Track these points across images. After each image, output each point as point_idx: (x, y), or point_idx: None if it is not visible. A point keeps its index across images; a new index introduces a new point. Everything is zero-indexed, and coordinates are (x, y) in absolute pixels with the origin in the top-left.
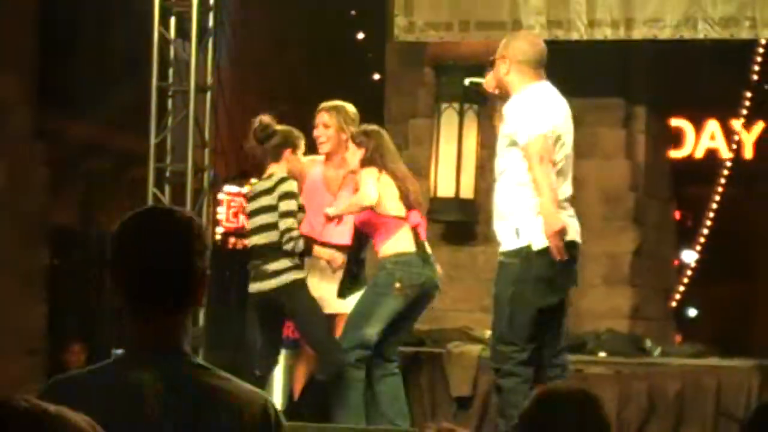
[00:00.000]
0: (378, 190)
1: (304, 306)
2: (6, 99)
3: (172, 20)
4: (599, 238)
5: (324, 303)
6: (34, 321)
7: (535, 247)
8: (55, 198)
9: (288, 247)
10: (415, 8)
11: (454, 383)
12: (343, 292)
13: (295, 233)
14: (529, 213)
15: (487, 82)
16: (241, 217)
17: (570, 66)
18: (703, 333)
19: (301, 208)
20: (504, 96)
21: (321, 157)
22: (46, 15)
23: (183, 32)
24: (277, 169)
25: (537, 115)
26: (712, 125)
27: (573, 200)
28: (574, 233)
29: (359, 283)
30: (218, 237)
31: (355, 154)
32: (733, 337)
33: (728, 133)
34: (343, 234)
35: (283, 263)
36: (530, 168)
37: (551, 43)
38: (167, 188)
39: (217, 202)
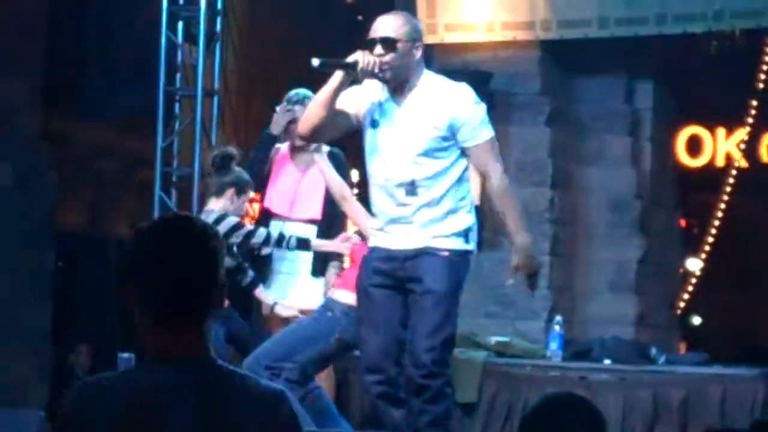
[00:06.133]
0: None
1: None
2: (14, 101)
3: (180, 24)
4: (605, 246)
5: (291, 302)
6: (40, 322)
7: None
8: (62, 200)
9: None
10: (437, 10)
11: (459, 389)
12: (315, 270)
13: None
14: None
15: (370, 63)
16: (246, 221)
17: (577, 74)
18: (708, 341)
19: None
20: (391, 80)
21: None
22: (54, 18)
23: (190, 36)
24: (215, 205)
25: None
26: (718, 134)
27: None
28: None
29: (330, 258)
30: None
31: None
32: (739, 345)
33: (734, 141)
34: (313, 208)
35: None
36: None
37: (558, 45)
38: (174, 192)
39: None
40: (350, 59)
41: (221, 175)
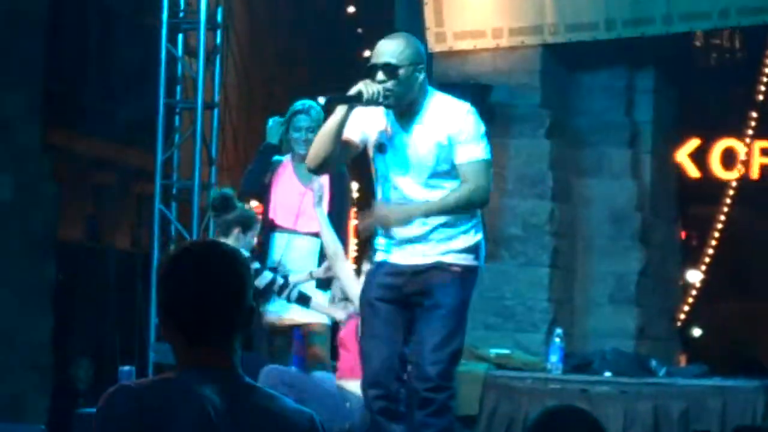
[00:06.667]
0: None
1: None
2: (14, 114)
3: (180, 37)
4: (605, 258)
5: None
6: (40, 335)
7: None
8: (62, 213)
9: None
10: (445, 18)
11: (460, 402)
12: (321, 283)
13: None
14: None
15: (374, 93)
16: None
17: (577, 86)
18: (709, 353)
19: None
20: (395, 106)
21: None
22: (54, 31)
23: (190, 49)
24: None
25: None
26: (718, 145)
27: None
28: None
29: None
30: None
31: None
32: (738, 357)
33: (734, 152)
34: (317, 222)
35: None
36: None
37: (558, 58)
38: (174, 204)
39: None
40: (353, 91)
41: (224, 215)
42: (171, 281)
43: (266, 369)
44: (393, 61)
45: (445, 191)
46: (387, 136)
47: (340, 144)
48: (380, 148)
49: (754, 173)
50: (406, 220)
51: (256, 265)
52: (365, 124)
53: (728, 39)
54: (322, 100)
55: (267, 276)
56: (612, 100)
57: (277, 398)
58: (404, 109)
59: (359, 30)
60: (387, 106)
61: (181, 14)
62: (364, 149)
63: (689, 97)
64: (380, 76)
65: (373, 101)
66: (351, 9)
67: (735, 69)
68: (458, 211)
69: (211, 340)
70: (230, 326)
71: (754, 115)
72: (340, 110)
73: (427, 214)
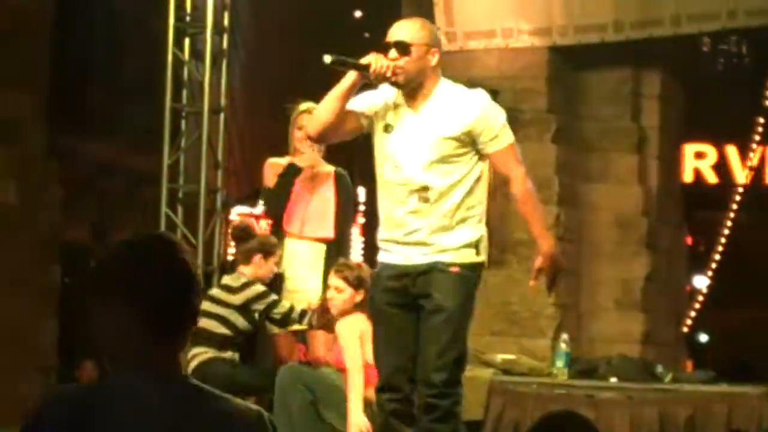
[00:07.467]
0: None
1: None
2: (20, 118)
3: (186, 41)
4: (612, 263)
5: None
6: (45, 338)
7: None
8: (67, 217)
9: (305, 321)
10: (455, 18)
11: (465, 407)
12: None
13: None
14: None
15: (383, 66)
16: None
17: (583, 91)
18: (715, 358)
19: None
20: (405, 85)
21: (285, 160)
22: (60, 34)
23: (197, 53)
24: (245, 271)
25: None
26: (725, 151)
27: None
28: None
29: None
30: (230, 258)
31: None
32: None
33: (741, 158)
34: (325, 227)
35: (209, 352)
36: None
37: (565, 63)
38: (180, 209)
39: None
40: (363, 61)
41: (245, 243)
42: (142, 268)
43: (286, 367)
44: (406, 39)
45: (445, 176)
46: (394, 116)
47: (343, 112)
48: (386, 128)
49: (762, 178)
50: (557, 259)
51: (273, 297)
52: (372, 101)
53: (735, 44)
54: (328, 58)
55: (285, 305)
56: (618, 106)
57: (225, 398)
58: (413, 90)
59: (366, 34)
60: (395, 84)
61: (188, 18)
62: (365, 131)
63: (696, 102)
64: (392, 53)
65: (381, 75)
66: (358, 13)
67: (742, 74)
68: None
69: (170, 333)
70: (189, 318)
71: (761, 120)
72: (348, 78)
73: (548, 231)
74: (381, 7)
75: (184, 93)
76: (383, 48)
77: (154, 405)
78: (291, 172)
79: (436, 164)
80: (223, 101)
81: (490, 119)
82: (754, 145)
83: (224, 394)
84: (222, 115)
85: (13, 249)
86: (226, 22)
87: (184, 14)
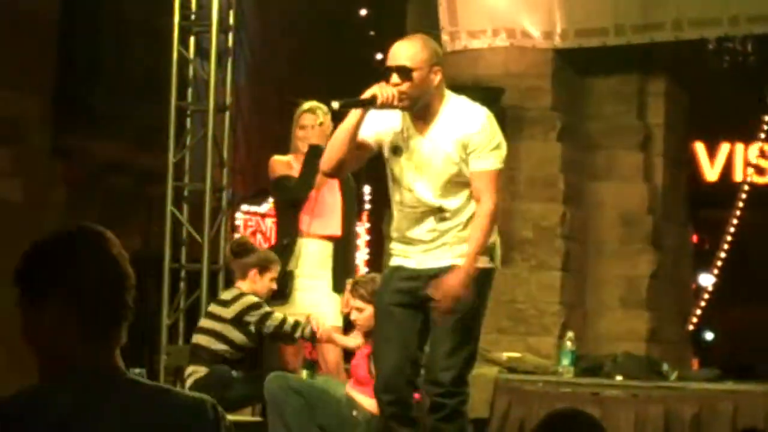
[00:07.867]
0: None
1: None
2: (25, 117)
3: (192, 40)
4: (617, 261)
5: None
6: None
7: None
8: (73, 216)
9: (297, 334)
10: (459, 18)
11: (471, 405)
12: (336, 286)
13: (293, 322)
14: None
15: (388, 97)
16: (259, 236)
17: (588, 89)
18: (720, 356)
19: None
20: (410, 108)
21: (289, 158)
22: (66, 34)
23: (202, 52)
24: (242, 286)
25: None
26: (730, 149)
27: None
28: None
29: (349, 274)
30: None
31: None
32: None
33: (746, 156)
34: (332, 225)
35: (201, 370)
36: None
37: (569, 61)
38: (185, 207)
39: (234, 221)
40: (368, 95)
41: (242, 258)
42: (69, 262)
43: (272, 375)
44: (408, 63)
45: (459, 194)
46: (402, 139)
47: (354, 147)
48: (395, 150)
49: (766, 176)
50: (466, 282)
51: (266, 309)
52: (380, 125)
53: (741, 43)
54: (336, 105)
55: (277, 317)
56: (624, 104)
57: (166, 390)
58: (420, 111)
59: (371, 32)
60: (402, 109)
61: (193, 17)
62: (380, 151)
63: (701, 100)
64: (395, 78)
65: (387, 105)
66: (363, 11)
67: (747, 72)
68: (490, 234)
69: (104, 328)
70: (122, 311)
71: (767, 118)
72: (354, 114)
73: (476, 260)
74: (386, 6)
75: (190, 91)
76: (384, 72)
77: (90, 405)
78: (317, 153)
79: (448, 186)
80: (228, 99)
81: (484, 138)
82: (759, 143)
83: (166, 385)
84: (227, 114)
85: (18, 248)
86: (231, 20)
87: (189, 12)
